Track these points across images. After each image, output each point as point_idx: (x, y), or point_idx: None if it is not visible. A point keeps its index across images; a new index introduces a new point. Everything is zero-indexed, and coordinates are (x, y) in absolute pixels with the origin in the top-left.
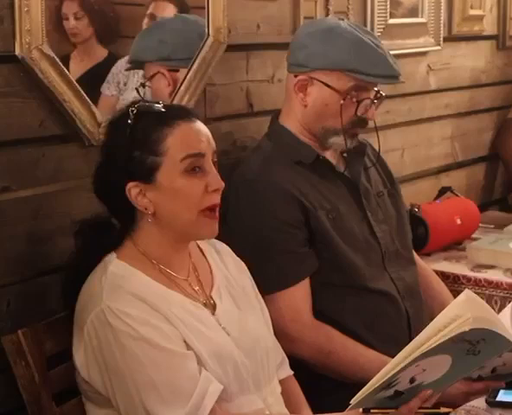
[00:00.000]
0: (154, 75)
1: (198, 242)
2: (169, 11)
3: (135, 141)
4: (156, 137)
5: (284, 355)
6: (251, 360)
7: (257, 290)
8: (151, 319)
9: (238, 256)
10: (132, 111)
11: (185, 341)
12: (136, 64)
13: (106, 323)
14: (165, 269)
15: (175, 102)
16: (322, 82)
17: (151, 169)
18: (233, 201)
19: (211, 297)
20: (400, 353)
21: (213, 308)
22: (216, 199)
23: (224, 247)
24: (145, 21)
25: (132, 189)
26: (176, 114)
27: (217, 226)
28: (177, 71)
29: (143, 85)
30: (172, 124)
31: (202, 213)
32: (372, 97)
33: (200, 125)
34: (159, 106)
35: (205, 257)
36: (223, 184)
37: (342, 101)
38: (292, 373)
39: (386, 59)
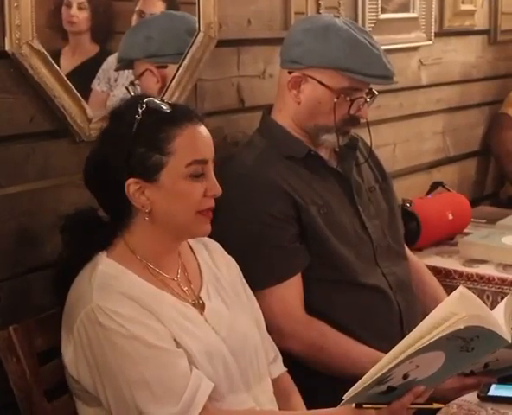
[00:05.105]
0: (143, 73)
1: (189, 240)
2: (158, 7)
3: (141, 137)
4: (165, 137)
5: (278, 352)
6: (239, 359)
7: (247, 287)
8: (142, 318)
9: (229, 251)
10: (142, 107)
11: (175, 340)
12: (124, 63)
13: (96, 322)
14: (154, 269)
15: (165, 98)
16: (315, 80)
17: (155, 167)
18: (225, 196)
19: (200, 298)
20: (394, 349)
21: (201, 308)
22: (212, 202)
23: (215, 245)
24: (134, 17)
25: (131, 185)
26: (184, 115)
27: (210, 225)
28: (166, 67)
29: (132, 83)
30: (181, 126)
31: (199, 213)
32: (365, 95)
33: (204, 130)
34: (166, 106)
35: (194, 255)
36: (221, 190)
37: (335, 99)
38: (286, 369)
39: (380, 59)
